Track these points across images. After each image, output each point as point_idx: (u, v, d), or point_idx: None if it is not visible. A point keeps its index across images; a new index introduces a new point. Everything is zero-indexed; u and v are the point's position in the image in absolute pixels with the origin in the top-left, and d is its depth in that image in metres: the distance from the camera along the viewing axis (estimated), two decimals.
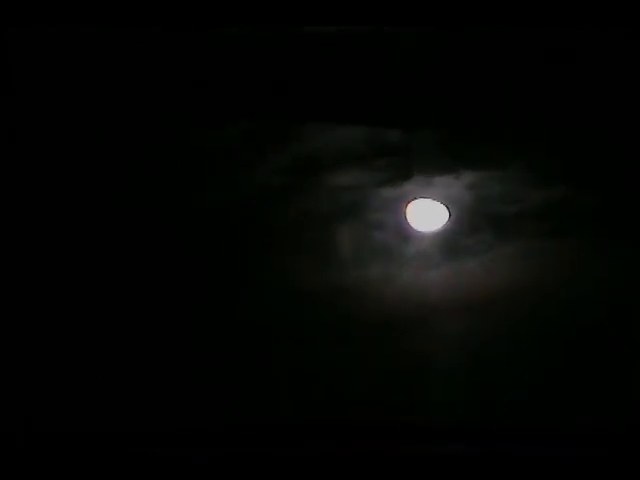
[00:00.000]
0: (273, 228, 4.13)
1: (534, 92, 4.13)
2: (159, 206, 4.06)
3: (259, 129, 4.14)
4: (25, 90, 4.04)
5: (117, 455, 3.69)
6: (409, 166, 4.16)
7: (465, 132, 4.18)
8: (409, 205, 4.19)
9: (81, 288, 3.99)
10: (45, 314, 3.93)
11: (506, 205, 4.17)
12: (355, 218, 4.17)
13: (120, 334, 3.95)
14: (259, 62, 4.07)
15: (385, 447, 3.74)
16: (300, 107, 4.12)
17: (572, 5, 3.88)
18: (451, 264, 4.14)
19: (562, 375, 3.94)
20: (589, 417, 3.84)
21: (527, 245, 4.15)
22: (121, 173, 4.07)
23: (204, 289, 4.03)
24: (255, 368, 3.95)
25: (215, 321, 4.00)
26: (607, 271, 4.08)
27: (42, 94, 4.06)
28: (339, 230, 4.14)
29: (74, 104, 4.06)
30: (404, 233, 4.19)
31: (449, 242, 4.17)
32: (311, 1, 3.85)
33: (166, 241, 4.04)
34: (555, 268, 4.11)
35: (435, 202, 4.19)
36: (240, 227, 4.12)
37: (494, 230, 4.17)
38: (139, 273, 4.01)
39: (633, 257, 4.08)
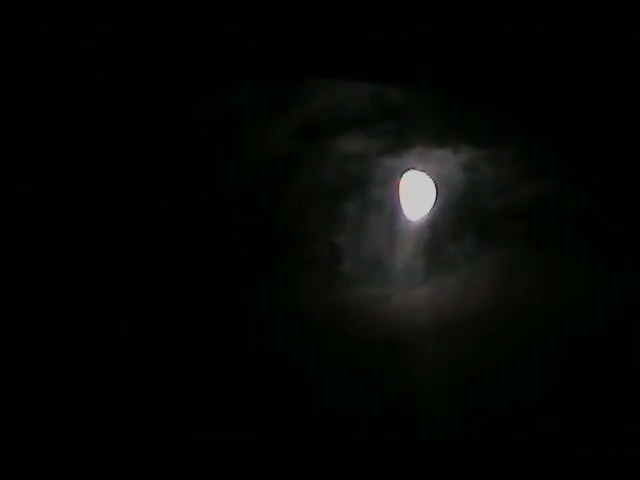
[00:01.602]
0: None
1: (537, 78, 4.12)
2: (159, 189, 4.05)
3: (260, 90, 4.12)
4: (26, 89, 4.04)
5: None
6: (410, 132, 4.13)
7: (467, 99, 4.15)
8: (403, 178, 4.16)
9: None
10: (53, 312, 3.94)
11: (494, 197, 4.15)
12: (357, 194, 4.15)
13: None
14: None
15: (382, 461, 3.74)
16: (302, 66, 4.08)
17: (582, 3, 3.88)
18: (435, 273, 4.12)
19: (550, 389, 3.92)
20: (581, 430, 3.83)
21: (510, 255, 4.12)
22: (122, 166, 4.07)
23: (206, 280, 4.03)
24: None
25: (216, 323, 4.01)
26: (590, 282, 4.04)
27: (42, 93, 4.06)
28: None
29: (74, 101, 4.07)
30: (397, 220, 4.18)
31: (434, 234, 4.15)
32: None
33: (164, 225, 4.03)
34: (537, 280, 4.08)
35: (428, 179, 4.16)
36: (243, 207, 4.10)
37: (478, 228, 4.15)
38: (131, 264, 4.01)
39: (620, 266, 4.05)
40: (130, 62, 4.07)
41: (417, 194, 4.19)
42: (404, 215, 4.19)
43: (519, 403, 3.85)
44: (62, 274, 3.98)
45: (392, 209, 4.18)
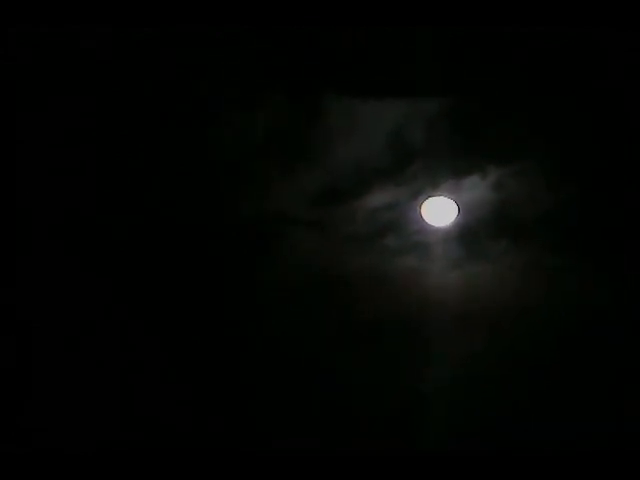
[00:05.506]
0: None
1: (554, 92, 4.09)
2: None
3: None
4: (26, 89, 4.04)
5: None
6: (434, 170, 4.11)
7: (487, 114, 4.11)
8: (426, 204, 4.15)
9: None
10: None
11: (524, 209, 4.12)
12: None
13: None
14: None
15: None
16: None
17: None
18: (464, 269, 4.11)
19: (566, 393, 3.89)
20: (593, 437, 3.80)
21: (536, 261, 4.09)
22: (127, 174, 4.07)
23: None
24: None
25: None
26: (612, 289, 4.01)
27: (42, 93, 4.06)
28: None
29: (74, 101, 4.07)
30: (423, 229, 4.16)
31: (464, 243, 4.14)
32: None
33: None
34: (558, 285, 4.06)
35: (451, 203, 4.16)
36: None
37: (510, 239, 4.13)
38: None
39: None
40: (130, 62, 4.07)
41: (440, 215, 4.17)
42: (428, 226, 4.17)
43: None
44: (60, 273, 3.98)
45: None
